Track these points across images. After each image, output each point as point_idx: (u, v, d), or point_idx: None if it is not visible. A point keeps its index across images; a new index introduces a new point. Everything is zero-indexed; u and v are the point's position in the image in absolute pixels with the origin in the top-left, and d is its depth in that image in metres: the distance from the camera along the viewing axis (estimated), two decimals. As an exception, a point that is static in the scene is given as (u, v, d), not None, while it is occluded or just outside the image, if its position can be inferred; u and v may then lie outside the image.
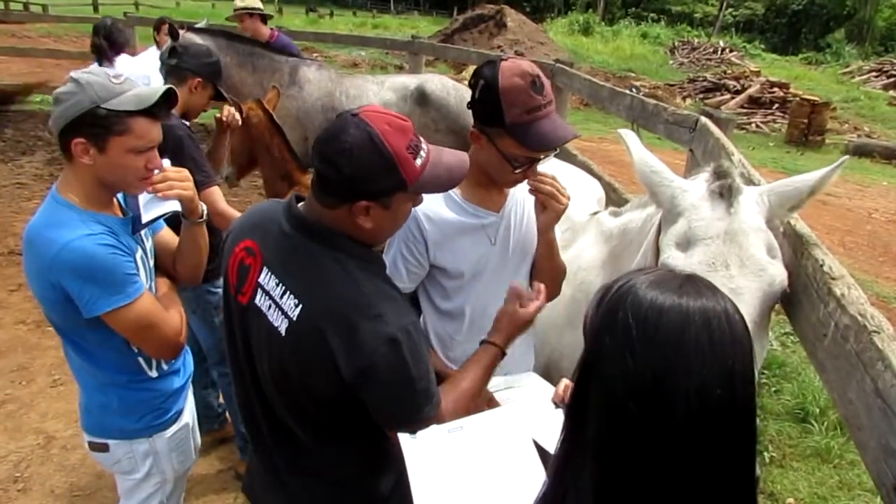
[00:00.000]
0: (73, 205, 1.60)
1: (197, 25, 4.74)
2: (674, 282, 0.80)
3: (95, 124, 1.53)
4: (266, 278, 1.33)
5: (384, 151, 1.22)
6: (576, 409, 0.82)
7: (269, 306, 1.32)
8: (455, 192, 1.69)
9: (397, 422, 1.38)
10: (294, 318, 1.28)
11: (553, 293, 1.78)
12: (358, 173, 1.22)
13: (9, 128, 7.78)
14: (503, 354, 1.52)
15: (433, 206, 1.70)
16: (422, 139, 1.32)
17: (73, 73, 1.57)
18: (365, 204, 1.25)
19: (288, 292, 1.29)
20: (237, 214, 2.29)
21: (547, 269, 1.78)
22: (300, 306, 1.27)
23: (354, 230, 1.31)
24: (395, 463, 1.49)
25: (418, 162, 1.27)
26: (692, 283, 0.80)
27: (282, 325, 1.30)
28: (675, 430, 0.74)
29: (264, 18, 5.25)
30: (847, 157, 1.53)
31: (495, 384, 1.74)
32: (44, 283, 1.57)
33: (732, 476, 0.76)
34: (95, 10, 22.62)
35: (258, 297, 1.35)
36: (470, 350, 1.78)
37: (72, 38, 16.57)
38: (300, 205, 1.37)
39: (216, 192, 2.43)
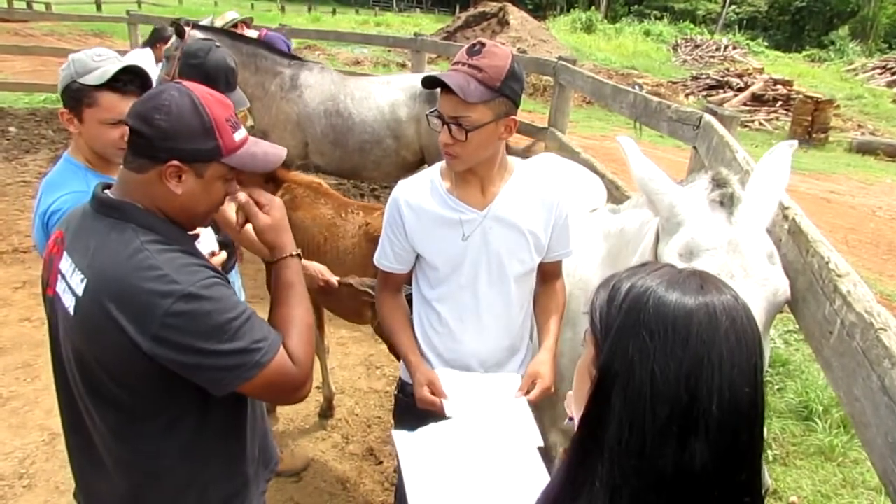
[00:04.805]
0: (82, 164, 1.83)
1: (202, 23, 4.73)
2: (692, 280, 0.79)
3: (72, 97, 1.75)
4: (65, 263, 1.27)
5: (203, 114, 1.22)
6: (594, 412, 0.80)
7: (64, 289, 1.26)
8: (440, 184, 1.70)
9: (218, 379, 1.21)
10: (80, 295, 1.21)
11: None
12: (174, 129, 1.20)
13: (13, 126, 7.80)
14: (298, 256, 1.42)
15: (414, 194, 1.72)
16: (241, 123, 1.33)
17: (72, 54, 1.81)
18: (177, 165, 1.21)
19: (77, 270, 1.23)
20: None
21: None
22: (85, 281, 1.21)
23: (164, 199, 1.25)
24: (231, 462, 1.39)
25: (237, 136, 1.27)
26: (710, 280, 0.80)
27: (71, 306, 1.23)
28: (705, 431, 0.73)
29: (247, 23, 5.64)
30: (795, 142, 1.53)
31: (475, 382, 1.72)
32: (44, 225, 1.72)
33: (746, 471, 0.77)
34: (98, 8, 22.62)
35: (58, 284, 1.29)
36: (451, 345, 1.77)
37: (75, 37, 16.60)
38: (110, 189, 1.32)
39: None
